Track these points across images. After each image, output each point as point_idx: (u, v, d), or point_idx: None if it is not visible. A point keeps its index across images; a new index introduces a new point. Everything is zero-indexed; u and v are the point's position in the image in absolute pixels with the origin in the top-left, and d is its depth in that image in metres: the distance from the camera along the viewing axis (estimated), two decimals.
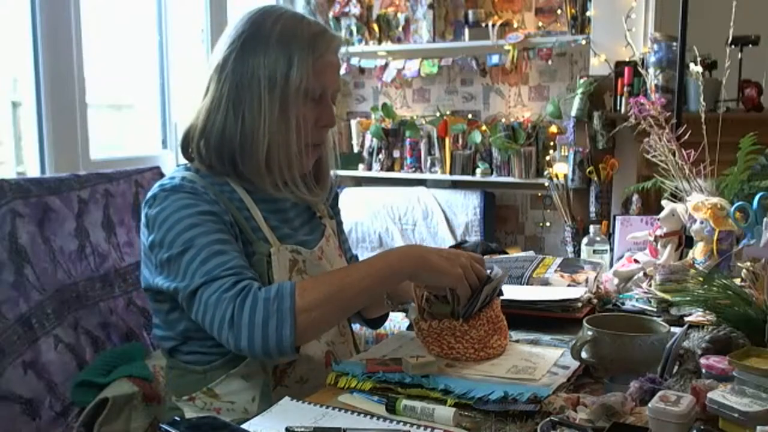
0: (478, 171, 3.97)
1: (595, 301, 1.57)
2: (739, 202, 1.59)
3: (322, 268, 1.36)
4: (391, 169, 4.25)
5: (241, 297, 1.13)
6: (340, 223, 1.56)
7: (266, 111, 1.26)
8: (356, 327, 1.61)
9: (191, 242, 1.19)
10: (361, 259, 1.63)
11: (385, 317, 1.57)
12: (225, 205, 1.27)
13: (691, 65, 2.15)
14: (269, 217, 1.33)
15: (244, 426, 0.99)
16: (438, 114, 4.15)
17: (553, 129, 3.83)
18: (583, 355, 1.18)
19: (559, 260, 1.81)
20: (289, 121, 1.27)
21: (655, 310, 1.51)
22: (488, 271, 1.29)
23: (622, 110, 3.40)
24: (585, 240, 2.00)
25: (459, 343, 1.25)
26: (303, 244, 1.35)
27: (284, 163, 1.29)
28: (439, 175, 4.09)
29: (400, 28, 4.14)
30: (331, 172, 1.45)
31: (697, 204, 1.64)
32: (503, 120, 4.00)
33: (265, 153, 1.27)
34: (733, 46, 2.82)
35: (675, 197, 1.78)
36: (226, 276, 1.15)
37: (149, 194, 1.28)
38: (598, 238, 1.97)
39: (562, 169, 3.65)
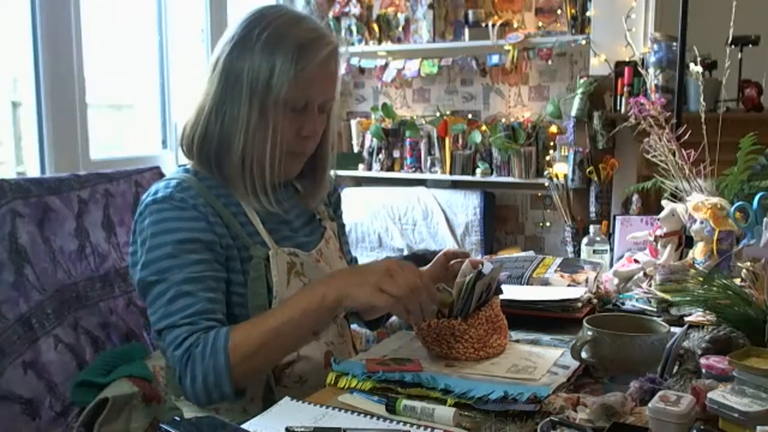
0: (478, 171, 3.97)
1: (595, 301, 1.57)
2: (739, 202, 1.59)
3: (321, 270, 1.36)
4: (391, 169, 4.25)
5: (185, 358, 1.17)
6: (342, 226, 1.55)
7: (245, 116, 1.25)
8: (356, 326, 1.61)
9: (164, 275, 1.21)
10: (360, 261, 1.63)
11: (383, 318, 1.58)
12: (218, 211, 1.27)
13: (691, 65, 2.15)
14: (267, 220, 1.33)
15: (244, 426, 0.99)
16: (438, 114, 4.15)
17: (553, 129, 3.83)
18: (583, 355, 1.18)
19: (559, 260, 1.81)
20: (267, 129, 1.26)
21: (655, 310, 1.51)
22: (479, 267, 1.28)
23: (622, 110, 3.40)
24: (585, 240, 2.00)
25: (458, 343, 1.25)
26: (302, 245, 1.35)
27: (257, 171, 1.28)
28: (439, 175, 4.09)
29: (400, 28, 4.14)
30: (330, 173, 1.44)
31: (697, 204, 1.64)
32: (503, 120, 3.99)
33: (239, 157, 1.26)
34: (733, 46, 2.82)
35: (675, 197, 1.78)
36: (183, 326, 1.18)
37: (142, 203, 1.28)
38: (598, 238, 1.97)
39: (562, 169, 3.65)
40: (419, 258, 1.32)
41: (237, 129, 1.26)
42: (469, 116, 4.14)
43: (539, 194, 4.04)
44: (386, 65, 4.16)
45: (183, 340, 1.17)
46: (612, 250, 1.99)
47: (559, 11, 3.83)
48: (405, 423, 1.00)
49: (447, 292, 1.30)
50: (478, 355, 1.25)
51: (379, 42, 4.18)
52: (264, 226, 1.32)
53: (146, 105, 3.30)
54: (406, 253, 3.98)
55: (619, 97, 3.47)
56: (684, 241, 1.74)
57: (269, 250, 1.29)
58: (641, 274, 1.67)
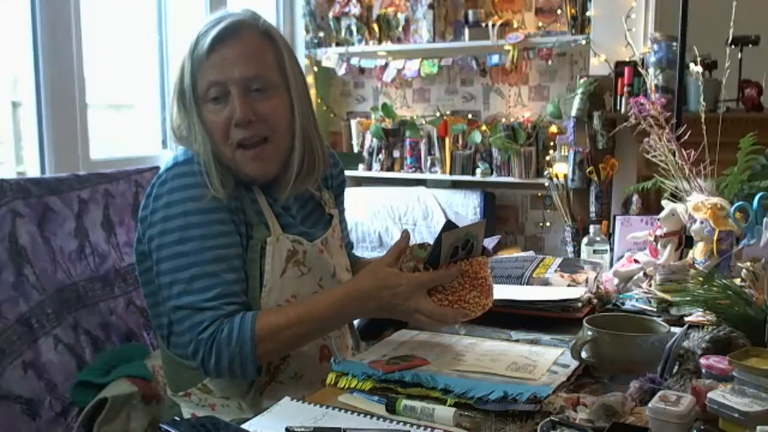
0: (478, 171, 3.97)
1: (595, 301, 1.56)
2: (739, 202, 1.59)
3: (323, 261, 1.35)
4: (391, 169, 4.25)
5: (209, 343, 1.18)
6: (342, 212, 1.54)
7: (187, 125, 1.26)
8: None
9: (185, 247, 1.20)
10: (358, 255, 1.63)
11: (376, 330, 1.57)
12: (235, 186, 1.27)
13: (691, 65, 2.15)
14: (273, 205, 1.32)
15: (244, 426, 0.99)
16: (438, 114, 4.15)
17: (553, 129, 3.83)
18: (583, 355, 1.18)
19: (559, 260, 1.80)
20: (205, 126, 1.26)
21: (655, 310, 1.51)
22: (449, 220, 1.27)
23: (622, 110, 3.40)
24: (585, 240, 1.99)
25: (433, 296, 1.23)
26: (306, 234, 1.34)
27: (230, 164, 1.27)
28: (439, 175, 4.09)
29: (400, 28, 4.14)
30: (322, 150, 1.35)
31: (697, 204, 1.64)
32: (503, 120, 4.00)
33: (210, 155, 1.25)
34: (733, 46, 2.81)
35: (675, 197, 1.78)
36: (206, 310, 1.19)
37: (163, 168, 1.28)
38: (598, 238, 1.97)
39: (562, 169, 3.65)
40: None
41: (193, 140, 1.26)
42: (469, 116, 4.14)
43: (539, 194, 4.04)
44: (386, 65, 4.15)
45: (207, 326, 1.18)
46: (612, 250, 1.99)
47: (559, 11, 3.83)
48: (405, 423, 1.00)
49: (426, 248, 1.28)
50: (452, 308, 1.23)
51: (379, 42, 4.18)
52: (272, 209, 1.31)
53: (146, 105, 3.30)
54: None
55: (619, 97, 3.47)
56: (684, 241, 1.73)
57: (270, 235, 1.28)
58: (641, 274, 1.66)
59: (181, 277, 1.19)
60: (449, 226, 1.23)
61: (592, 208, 3.57)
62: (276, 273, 1.27)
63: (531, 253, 2.00)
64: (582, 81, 3.55)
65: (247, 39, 1.25)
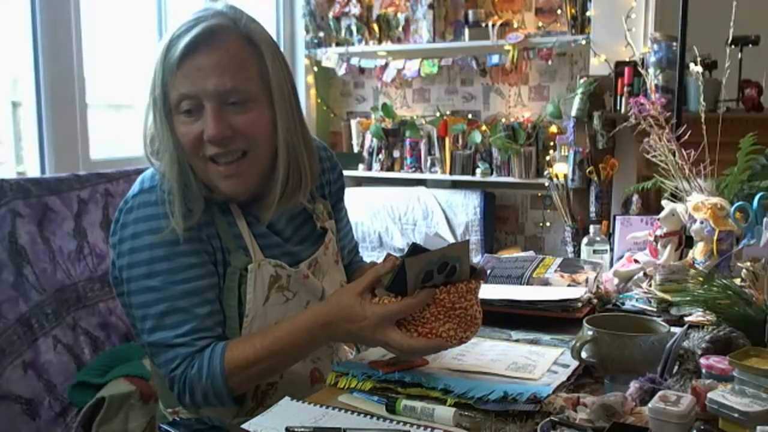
0: (478, 171, 3.97)
1: (595, 301, 1.56)
2: (739, 202, 1.59)
3: (309, 285, 1.27)
4: (391, 169, 4.25)
5: (183, 379, 1.15)
6: (342, 217, 1.46)
7: (162, 132, 1.16)
8: None
9: (153, 281, 1.14)
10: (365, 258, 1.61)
11: None
12: (208, 210, 1.18)
13: (691, 65, 2.15)
14: (255, 225, 1.23)
15: (244, 426, 0.99)
16: (438, 114, 4.15)
17: (553, 129, 3.83)
18: (583, 355, 1.18)
19: (559, 260, 1.80)
20: (175, 139, 1.16)
21: (655, 310, 1.51)
22: (414, 242, 1.14)
23: (622, 110, 3.40)
24: (585, 240, 1.99)
25: (402, 327, 1.12)
26: (292, 255, 1.26)
27: (204, 179, 1.18)
28: (439, 175, 4.09)
29: (400, 28, 4.14)
30: (310, 161, 1.24)
31: (697, 204, 1.64)
32: (503, 120, 4.00)
33: (176, 177, 1.16)
34: (733, 46, 2.81)
35: (675, 197, 1.78)
36: (177, 346, 1.15)
37: (130, 192, 1.21)
38: (598, 238, 1.97)
39: (562, 169, 3.65)
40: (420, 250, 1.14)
41: (164, 153, 1.17)
42: (469, 116, 4.14)
43: (539, 194, 4.04)
44: (386, 65, 4.16)
45: (180, 363, 1.15)
46: (612, 250, 1.99)
47: (559, 11, 3.83)
48: (405, 423, 1.00)
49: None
50: (425, 340, 1.10)
51: (379, 42, 4.18)
52: (251, 228, 1.22)
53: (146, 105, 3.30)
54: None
55: (619, 97, 3.48)
56: (684, 241, 1.73)
57: (250, 262, 1.20)
58: (641, 274, 1.66)
59: (152, 313, 1.15)
60: (416, 250, 1.08)
61: (592, 208, 3.57)
62: (258, 301, 1.20)
63: (531, 253, 2.00)
64: (582, 81, 3.55)
65: (224, 47, 1.12)
